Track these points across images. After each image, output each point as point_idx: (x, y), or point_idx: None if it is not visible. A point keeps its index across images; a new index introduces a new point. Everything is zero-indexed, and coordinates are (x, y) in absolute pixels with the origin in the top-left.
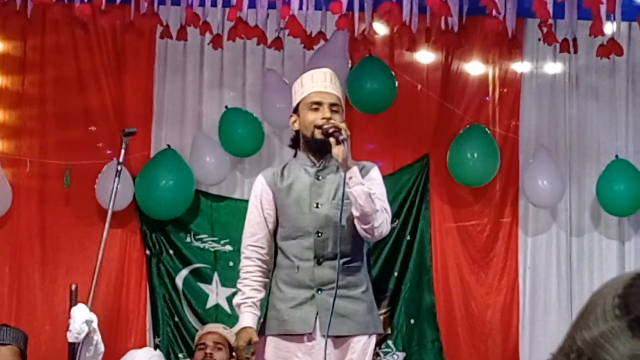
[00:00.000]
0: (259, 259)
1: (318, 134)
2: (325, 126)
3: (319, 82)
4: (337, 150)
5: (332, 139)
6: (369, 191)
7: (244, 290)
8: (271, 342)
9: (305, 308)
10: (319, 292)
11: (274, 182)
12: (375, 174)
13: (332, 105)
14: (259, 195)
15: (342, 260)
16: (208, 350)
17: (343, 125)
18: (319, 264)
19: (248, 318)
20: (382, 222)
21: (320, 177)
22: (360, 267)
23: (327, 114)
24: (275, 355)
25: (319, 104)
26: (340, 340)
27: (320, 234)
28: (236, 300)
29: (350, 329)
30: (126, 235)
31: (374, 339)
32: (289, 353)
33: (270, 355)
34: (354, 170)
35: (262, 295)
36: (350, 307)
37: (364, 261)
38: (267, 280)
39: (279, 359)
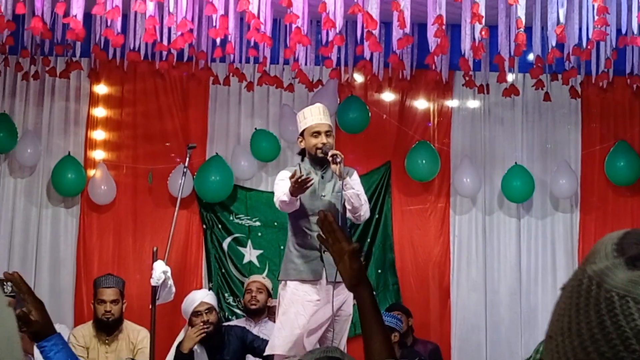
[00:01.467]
0: None
1: (319, 153)
2: (330, 152)
3: (316, 116)
4: (335, 167)
5: (331, 159)
6: (357, 193)
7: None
8: (291, 285)
9: (315, 263)
10: (325, 252)
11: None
12: (355, 175)
13: (326, 131)
14: (287, 178)
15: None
16: (253, 294)
17: (338, 152)
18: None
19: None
20: (365, 211)
21: (323, 178)
22: (348, 234)
23: (324, 140)
24: (296, 294)
25: (318, 132)
26: (338, 284)
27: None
28: (284, 195)
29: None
30: (189, 214)
31: None
32: (305, 292)
33: (291, 293)
34: (348, 180)
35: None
36: None
37: (349, 233)
38: None
39: (298, 296)
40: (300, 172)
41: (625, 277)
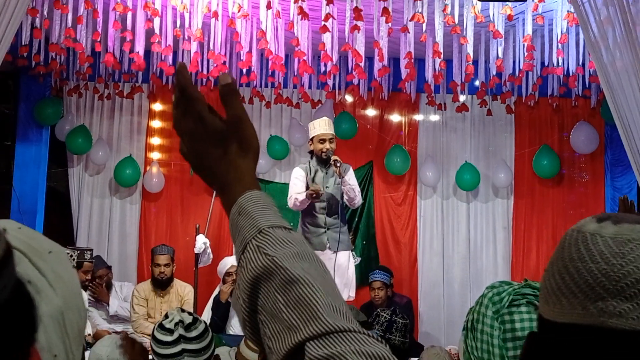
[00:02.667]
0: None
1: (324, 156)
2: (332, 158)
3: (323, 127)
4: (335, 169)
5: (332, 163)
6: (352, 187)
7: (299, 192)
8: None
9: (321, 237)
10: (328, 229)
11: (306, 172)
12: (351, 171)
13: (330, 139)
14: (300, 176)
15: (335, 214)
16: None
17: (338, 157)
18: (329, 215)
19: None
20: (359, 199)
21: (327, 173)
22: (344, 217)
23: (328, 146)
24: None
25: (324, 139)
26: (339, 253)
27: (329, 202)
28: (300, 196)
29: (343, 247)
30: None
31: (348, 252)
32: None
33: None
34: (345, 178)
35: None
36: (342, 237)
37: (345, 215)
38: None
39: None
40: (309, 168)
41: (613, 230)
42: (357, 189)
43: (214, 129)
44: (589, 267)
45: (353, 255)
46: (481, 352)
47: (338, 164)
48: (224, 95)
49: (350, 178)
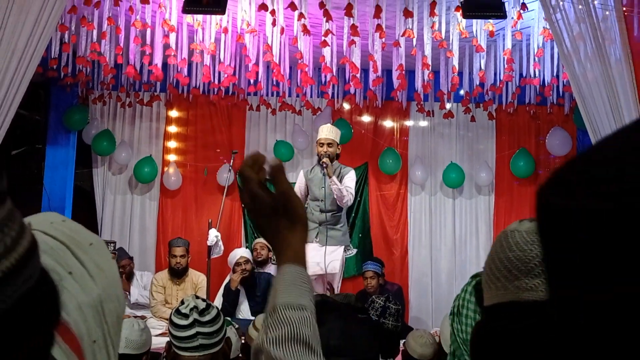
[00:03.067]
0: None
1: (320, 158)
2: (322, 160)
3: (324, 132)
4: (324, 169)
5: (320, 164)
6: (340, 188)
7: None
8: None
9: (312, 232)
10: (320, 225)
11: (307, 175)
12: (350, 174)
13: (328, 143)
14: (299, 181)
15: (330, 212)
16: (258, 251)
17: (326, 160)
18: (322, 212)
19: None
20: (348, 199)
21: (324, 175)
22: (340, 215)
23: (325, 149)
24: None
25: (322, 143)
26: (329, 247)
27: (323, 200)
28: None
29: (332, 242)
30: (232, 197)
31: (343, 248)
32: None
33: None
34: (334, 179)
35: None
36: (333, 233)
37: (342, 212)
38: None
39: None
40: (310, 170)
41: (527, 225)
42: (350, 190)
43: (265, 205)
44: (508, 255)
45: (348, 249)
46: (465, 334)
47: (324, 165)
48: (273, 174)
49: (348, 180)
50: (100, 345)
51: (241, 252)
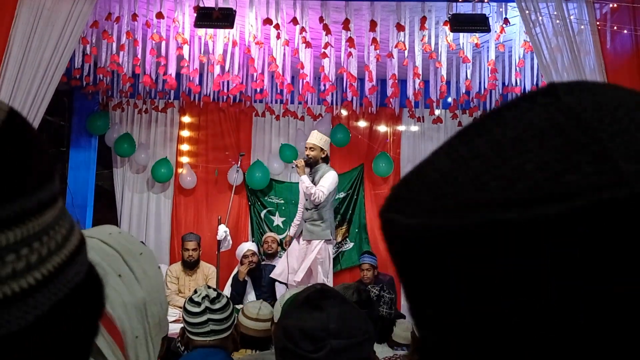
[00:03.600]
0: (301, 210)
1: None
2: (294, 161)
3: (308, 137)
4: (297, 170)
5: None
6: (307, 185)
7: (295, 221)
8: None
9: (299, 228)
10: (305, 222)
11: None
12: (327, 174)
13: (310, 147)
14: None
15: (311, 209)
16: (269, 244)
17: (297, 162)
18: (307, 210)
19: (291, 230)
20: (316, 196)
21: (309, 174)
22: (322, 213)
23: (307, 152)
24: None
25: (306, 147)
26: (308, 242)
27: (307, 199)
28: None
29: (313, 237)
30: (240, 196)
31: (323, 242)
32: (292, 246)
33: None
34: (301, 177)
35: (297, 222)
36: (312, 228)
37: (324, 210)
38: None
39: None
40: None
41: None
42: (321, 188)
43: None
44: None
45: (329, 242)
46: None
47: (292, 166)
48: None
49: (324, 181)
50: (142, 342)
51: (248, 246)
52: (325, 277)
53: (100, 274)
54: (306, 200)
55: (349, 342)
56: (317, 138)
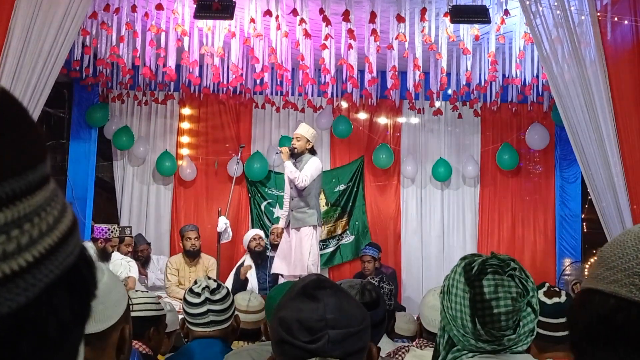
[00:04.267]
0: (287, 199)
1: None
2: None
3: (297, 128)
4: (279, 154)
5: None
6: (291, 170)
7: (282, 210)
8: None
9: (289, 216)
10: (292, 211)
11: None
12: (311, 161)
13: (296, 138)
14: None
15: (296, 198)
16: (274, 235)
17: (281, 149)
18: (292, 198)
19: (282, 222)
20: (299, 181)
21: (294, 163)
22: (308, 200)
23: (292, 142)
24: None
25: (292, 137)
26: (297, 229)
27: (293, 188)
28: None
29: (300, 224)
30: (240, 188)
31: (312, 228)
32: (283, 238)
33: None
34: (285, 164)
35: (286, 212)
36: (299, 215)
37: (309, 197)
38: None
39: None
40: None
41: None
42: (305, 173)
43: None
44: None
45: (316, 228)
46: (454, 311)
47: (277, 152)
48: None
49: (306, 167)
50: None
51: (255, 231)
52: (313, 265)
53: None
54: (291, 188)
55: (347, 331)
56: (304, 129)
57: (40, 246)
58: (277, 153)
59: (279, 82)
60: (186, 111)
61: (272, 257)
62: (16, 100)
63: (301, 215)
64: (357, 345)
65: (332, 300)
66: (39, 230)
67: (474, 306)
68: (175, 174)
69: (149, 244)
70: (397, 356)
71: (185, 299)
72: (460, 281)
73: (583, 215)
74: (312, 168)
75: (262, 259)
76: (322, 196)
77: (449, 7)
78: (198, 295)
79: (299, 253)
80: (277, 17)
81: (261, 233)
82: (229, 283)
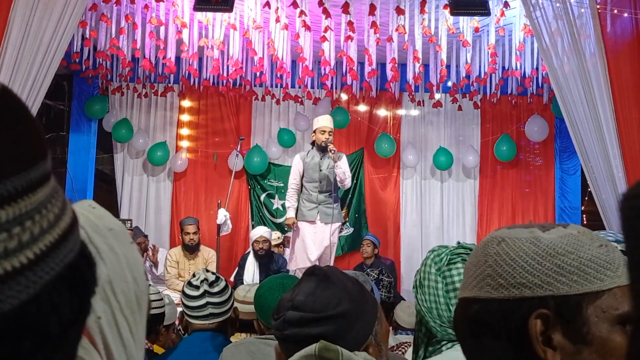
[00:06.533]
0: (294, 190)
1: (323, 144)
2: (329, 147)
3: (325, 121)
4: (332, 156)
5: (329, 151)
6: (344, 171)
7: (290, 201)
8: (299, 223)
9: (312, 211)
10: (319, 205)
11: (304, 158)
12: (344, 158)
13: (329, 131)
14: (297, 164)
15: (327, 192)
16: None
17: (333, 146)
18: (320, 192)
19: (292, 212)
20: (348, 182)
21: (322, 158)
22: (335, 195)
23: (327, 136)
24: (302, 229)
25: (324, 131)
26: (327, 224)
27: (321, 182)
28: (287, 204)
29: (332, 220)
30: (240, 180)
31: (339, 224)
32: (305, 228)
33: (299, 229)
34: (339, 163)
35: (296, 204)
36: (330, 211)
37: (336, 193)
38: (297, 197)
39: (302, 230)
40: (306, 155)
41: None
42: (348, 173)
43: None
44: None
45: (344, 227)
46: (429, 302)
47: (332, 152)
48: None
49: (343, 164)
50: (109, 322)
51: (262, 232)
52: (328, 259)
53: (92, 252)
54: (320, 182)
55: (305, 315)
56: (332, 123)
57: (42, 243)
58: (332, 152)
59: (278, 75)
60: (186, 103)
61: (275, 256)
62: (17, 97)
63: (333, 211)
64: (316, 331)
65: (309, 285)
66: (40, 228)
67: (447, 295)
68: (172, 166)
69: (145, 236)
70: (398, 350)
71: (183, 292)
72: (431, 273)
73: (583, 208)
74: (347, 166)
75: (265, 262)
76: None
77: None
78: (197, 288)
79: (329, 249)
80: (276, 10)
81: (267, 235)
82: (234, 272)
